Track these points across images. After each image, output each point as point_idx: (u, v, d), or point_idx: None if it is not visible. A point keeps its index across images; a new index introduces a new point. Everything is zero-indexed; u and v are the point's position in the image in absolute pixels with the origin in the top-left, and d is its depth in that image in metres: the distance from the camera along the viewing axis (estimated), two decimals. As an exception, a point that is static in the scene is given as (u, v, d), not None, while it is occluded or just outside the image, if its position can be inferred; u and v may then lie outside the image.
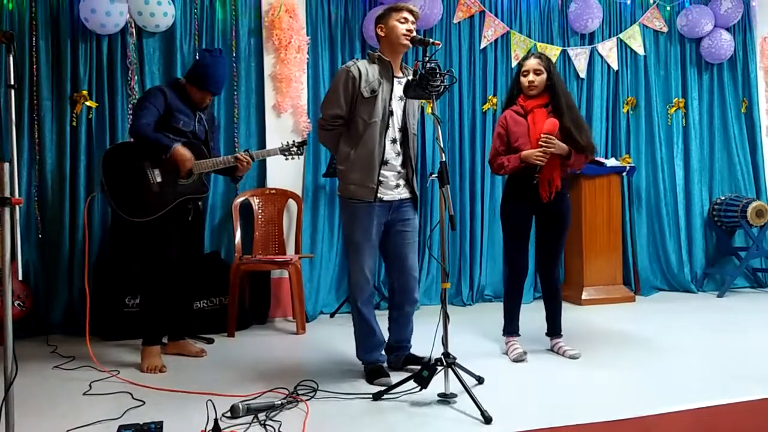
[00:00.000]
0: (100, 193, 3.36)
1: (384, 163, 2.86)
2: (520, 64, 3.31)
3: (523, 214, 3.27)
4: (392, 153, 2.89)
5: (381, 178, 2.85)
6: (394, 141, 2.89)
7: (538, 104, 3.20)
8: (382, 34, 2.92)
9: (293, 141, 3.54)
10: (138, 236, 3.33)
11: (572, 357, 3.22)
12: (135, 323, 3.64)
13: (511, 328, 3.35)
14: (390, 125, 2.88)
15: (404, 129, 2.93)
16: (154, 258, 3.24)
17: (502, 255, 4.96)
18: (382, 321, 3.06)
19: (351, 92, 2.85)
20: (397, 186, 2.92)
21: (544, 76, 3.19)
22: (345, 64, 2.95)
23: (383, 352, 3.04)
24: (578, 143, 3.14)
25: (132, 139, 3.27)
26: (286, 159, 3.55)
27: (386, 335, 3.08)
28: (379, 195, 2.85)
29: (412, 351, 3.10)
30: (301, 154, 3.56)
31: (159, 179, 3.22)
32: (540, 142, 3.09)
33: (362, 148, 2.85)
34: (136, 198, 3.19)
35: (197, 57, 3.39)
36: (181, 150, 3.18)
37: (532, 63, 3.21)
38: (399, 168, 2.92)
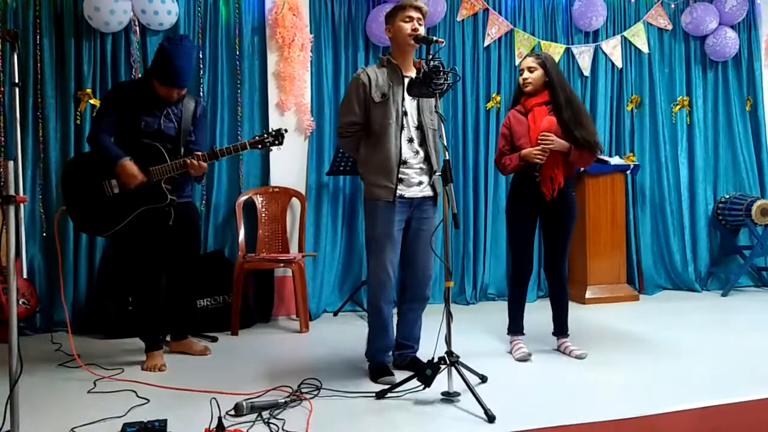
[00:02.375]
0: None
1: (402, 163, 2.88)
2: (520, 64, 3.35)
3: (527, 213, 3.27)
4: (410, 152, 2.90)
5: (401, 176, 2.87)
6: (410, 140, 2.90)
7: (539, 102, 3.22)
8: (390, 35, 2.96)
9: (271, 130, 3.22)
10: (120, 245, 3.30)
11: (579, 357, 3.21)
12: (135, 326, 3.63)
13: (515, 327, 3.35)
14: (405, 125, 2.89)
15: (421, 126, 2.94)
16: (135, 267, 3.18)
17: (506, 254, 4.98)
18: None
19: (363, 98, 2.88)
20: (420, 183, 2.93)
21: (539, 72, 3.20)
22: (356, 71, 2.97)
23: (390, 353, 3.04)
24: (576, 139, 3.14)
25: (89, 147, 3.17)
26: (261, 151, 3.35)
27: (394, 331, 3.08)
28: (399, 192, 2.87)
29: (418, 354, 3.07)
30: (280, 144, 3.20)
31: (116, 191, 3.08)
32: (538, 140, 3.11)
33: (380, 151, 2.87)
34: (94, 213, 3.08)
35: (158, 46, 3.11)
36: (125, 165, 2.99)
37: (526, 61, 3.26)
38: (420, 165, 2.92)
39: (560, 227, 3.27)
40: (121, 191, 3.08)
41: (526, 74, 3.23)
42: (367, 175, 2.94)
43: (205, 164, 3.11)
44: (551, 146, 3.11)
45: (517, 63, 5.05)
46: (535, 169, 3.15)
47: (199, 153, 3.12)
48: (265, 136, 3.20)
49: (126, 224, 3.09)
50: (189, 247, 3.37)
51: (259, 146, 3.21)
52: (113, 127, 3.10)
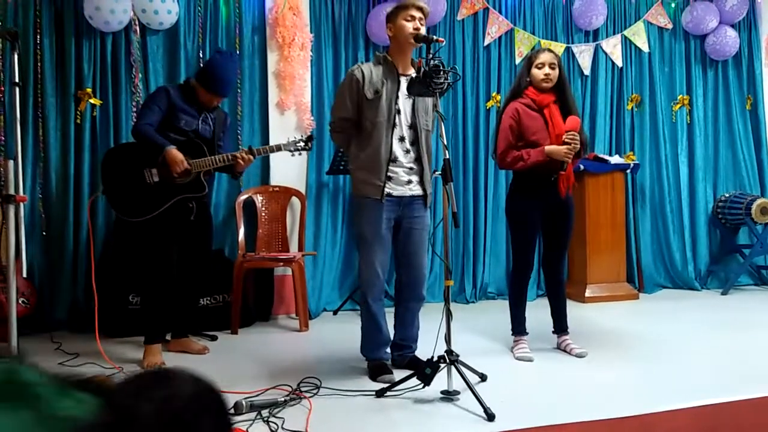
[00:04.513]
0: (102, 193, 3.40)
1: (392, 161, 2.88)
2: (531, 57, 3.23)
3: (533, 212, 3.24)
4: (400, 151, 2.90)
5: (390, 174, 2.87)
6: (401, 139, 2.90)
7: (552, 100, 3.18)
8: (391, 34, 2.95)
9: (302, 136, 3.53)
10: (137, 235, 3.37)
11: (579, 355, 3.21)
12: (138, 320, 3.65)
13: (518, 327, 3.34)
14: (397, 124, 2.89)
15: (414, 126, 2.94)
16: (153, 257, 3.27)
17: (506, 253, 4.98)
18: (388, 317, 3.05)
19: (356, 95, 2.89)
20: (409, 182, 2.93)
21: (558, 71, 3.18)
22: (351, 67, 2.99)
23: (387, 350, 3.04)
24: (582, 141, 3.15)
25: (133, 139, 3.32)
26: (292, 155, 3.53)
27: (392, 332, 3.08)
28: (387, 190, 2.87)
29: (417, 353, 3.07)
30: (309, 150, 3.53)
31: (156, 179, 3.24)
32: (566, 139, 3.06)
33: (370, 148, 2.87)
34: (132, 198, 3.23)
35: (209, 57, 3.38)
36: (173, 152, 3.17)
37: (548, 57, 3.17)
38: (410, 165, 2.92)
39: (564, 226, 3.27)
40: (161, 180, 3.23)
41: (547, 70, 3.14)
42: (356, 171, 2.94)
43: (252, 158, 3.35)
44: (578, 146, 3.09)
45: (517, 62, 5.04)
46: (559, 167, 3.09)
47: (244, 149, 3.39)
48: (297, 140, 3.48)
49: (158, 212, 3.22)
50: (203, 244, 3.48)
51: (291, 149, 3.47)
52: (157, 123, 3.26)
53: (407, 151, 2.92)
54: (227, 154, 3.34)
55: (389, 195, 2.88)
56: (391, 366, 2.98)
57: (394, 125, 2.88)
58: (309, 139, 3.51)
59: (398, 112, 2.89)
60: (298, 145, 3.48)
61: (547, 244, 3.36)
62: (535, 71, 3.18)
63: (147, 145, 3.21)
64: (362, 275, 2.96)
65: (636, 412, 2.37)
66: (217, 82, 3.32)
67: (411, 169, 2.93)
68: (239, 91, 4.50)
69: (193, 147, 3.29)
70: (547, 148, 3.09)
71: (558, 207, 3.22)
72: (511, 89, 3.35)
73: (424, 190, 2.98)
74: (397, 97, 2.89)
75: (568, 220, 3.27)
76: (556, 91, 3.19)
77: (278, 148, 3.50)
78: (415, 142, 2.93)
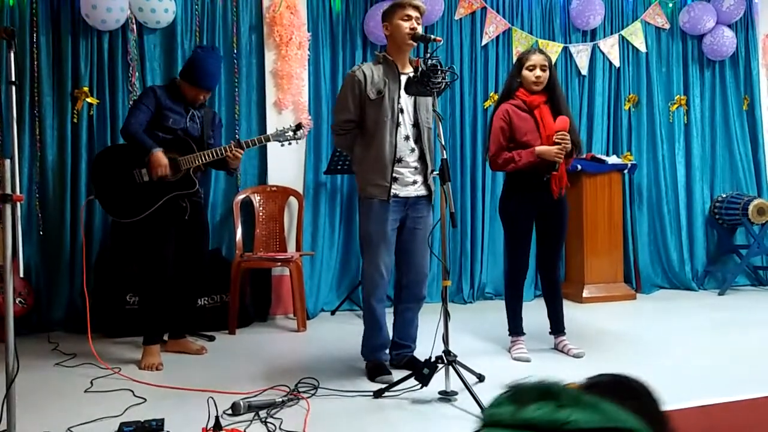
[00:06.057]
0: (94, 197, 3.41)
1: (398, 160, 2.88)
2: (522, 59, 3.26)
3: (526, 212, 3.25)
4: (406, 150, 2.90)
5: (396, 175, 2.87)
6: (407, 138, 2.90)
7: (542, 101, 3.19)
8: (387, 33, 2.94)
9: (289, 125, 3.46)
10: (134, 236, 3.37)
11: (576, 356, 3.21)
12: (136, 320, 3.65)
13: (515, 328, 3.34)
14: (401, 123, 2.89)
15: (417, 124, 2.93)
16: (149, 258, 3.26)
17: (503, 253, 4.98)
18: (388, 318, 3.05)
19: (358, 96, 2.88)
20: (414, 182, 2.93)
21: (548, 73, 3.19)
22: (352, 68, 2.98)
23: (387, 351, 3.04)
24: (574, 141, 3.15)
25: (122, 139, 3.33)
26: (282, 145, 3.47)
27: (390, 331, 3.08)
28: (394, 191, 2.87)
29: (415, 354, 3.07)
30: (299, 139, 3.46)
31: (146, 178, 3.24)
32: (556, 139, 3.07)
33: (375, 149, 2.87)
34: (124, 199, 3.24)
35: (190, 54, 3.42)
36: (157, 155, 3.16)
37: (539, 59, 3.18)
38: (415, 164, 2.92)
39: (557, 226, 3.27)
40: (151, 179, 3.23)
41: (539, 72, 3.15)
42: (362, 173, 2.94)
43: (242, 151, 3.30)
44: (568, 146, 3.09)
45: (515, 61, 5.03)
46: (551, 167, 3.09)
47: (232, 142, 3.33)
48: (286, 129, 3.41)
49: (151, 212, 3.21)
50: (199, 245, 3.46)
51: (281, 139, 3.41)
52: (146, 122, 3.27)
53: (412, 150, 2.91)
54: (216, 148, 3.32)
55: (395, 196, 2.88)
56: (389, 366, 2.98)
57: (398, 124, 2.87)
58: (298, 127, 3.43)
59: (401, 110, 2.89)
60: (287, 134, 3.40)
61: (541, 244, 3.36)
62: (526, 73, 3.19)
63: (135, 146, 3.22)
64: (366, 276, 2.95)
65: (634, 413, 2.37)
66: (200, 75, 3.30)
67: (416, 168, 2.92)
68: (236, 90, 4.49)
69: (182, 144, 3.30)
70: (538, 148, 3.10)
71: (551, 207, 3.22)
72: (503, 91, 3.38)
73: (428, 189, 2.97)
74: (399, 96, 2.88)
75: (562, 220, 3.28)
76: (547, 91, 3.20)
77: (267, 139, 3.44)
78: (418, 139, 2.93)
